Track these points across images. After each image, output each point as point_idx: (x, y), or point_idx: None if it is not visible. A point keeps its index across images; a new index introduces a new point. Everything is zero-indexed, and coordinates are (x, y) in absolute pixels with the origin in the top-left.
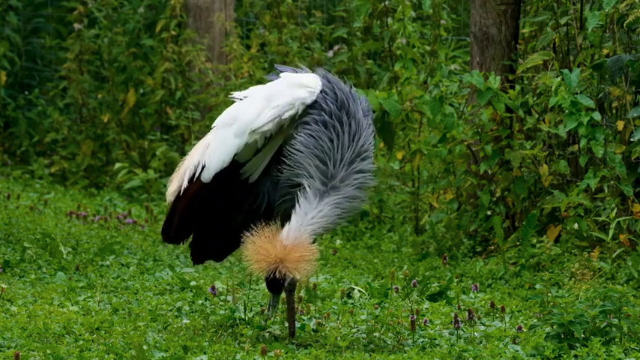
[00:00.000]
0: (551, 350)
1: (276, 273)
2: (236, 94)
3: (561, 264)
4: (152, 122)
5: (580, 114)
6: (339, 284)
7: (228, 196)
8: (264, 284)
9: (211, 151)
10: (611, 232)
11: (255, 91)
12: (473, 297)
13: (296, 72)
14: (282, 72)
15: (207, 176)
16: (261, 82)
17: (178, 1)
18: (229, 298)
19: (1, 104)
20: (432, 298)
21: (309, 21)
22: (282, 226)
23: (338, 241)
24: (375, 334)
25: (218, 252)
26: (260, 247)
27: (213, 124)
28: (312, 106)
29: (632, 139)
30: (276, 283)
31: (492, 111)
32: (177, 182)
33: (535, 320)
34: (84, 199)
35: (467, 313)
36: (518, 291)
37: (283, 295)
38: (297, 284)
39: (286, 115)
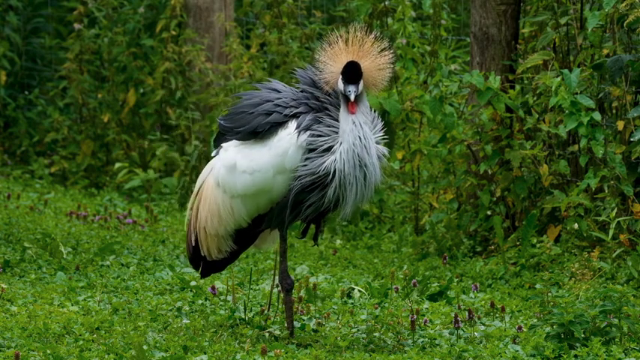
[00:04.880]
0: (551, 350)
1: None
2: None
3: (561, 264)
4: (152, 122)
5: (580, 114)
6: (339, 284)
7: None
8: (263, 284)
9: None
10: (611, 232)
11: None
12: (473, 297)
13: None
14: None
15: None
16: (261, 82)
17: (178, 1)
18: (229, 298)
19: (1, 104)
20: (432, 298)
21: (309, 21)
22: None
23: (338, 241)
24: (375, 334)
25: (223, 265)
26: (333, 54)
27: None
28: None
29: (632, 139)
30: (353, 71)
31: (492, 111)
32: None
33: (535, 320)
34: (84, 199)
35: (467, 313)
36: (518, 291)
37: (278, 294)
38: (296, 284)
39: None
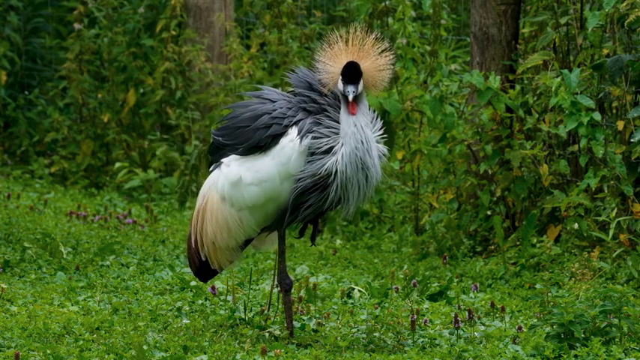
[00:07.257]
0: (551, 350)
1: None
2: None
3: (561, 264)
4: (152, 122)
5: (580, 114)
6: (339, 284)
7: None
8: (263, 284)
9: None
10: (611, 232)
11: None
12: (473, 297)
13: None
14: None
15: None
16: (261, 82)
17: (178, 1)
18: (229, 298)
19: (1, 104)
20: (432, 298)
21: (309, 21)
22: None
23: (338, 241)
24: (375, 334)
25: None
26: (333, 54)
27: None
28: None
29: (632, 139)
30: (353, 71)
31: (492, 111)
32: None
33: (535, 320)
34: (84, 199)
35: (467, 313)
36: (518, 291)
37: (278, 294)
38: (296, 284)
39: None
